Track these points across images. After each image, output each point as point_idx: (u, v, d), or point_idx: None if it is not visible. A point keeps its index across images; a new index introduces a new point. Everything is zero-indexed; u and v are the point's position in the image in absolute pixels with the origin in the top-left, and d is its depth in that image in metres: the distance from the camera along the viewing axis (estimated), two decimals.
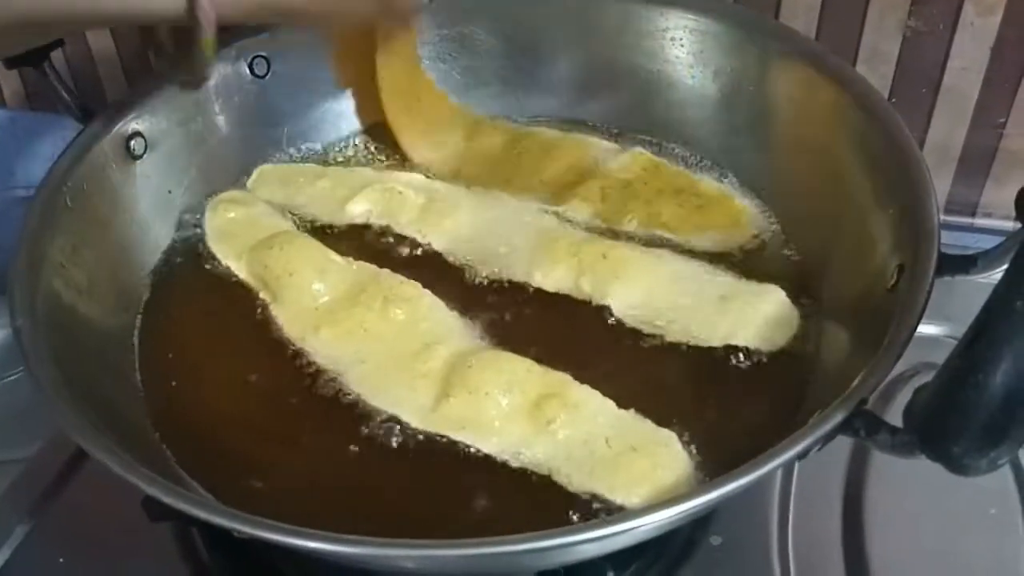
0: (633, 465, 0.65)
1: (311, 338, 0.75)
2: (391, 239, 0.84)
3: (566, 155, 0.90)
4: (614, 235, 0.82)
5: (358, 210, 0.85)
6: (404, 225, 0.84)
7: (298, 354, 0.75)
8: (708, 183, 0.86)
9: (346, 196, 0.86)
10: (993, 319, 0.47)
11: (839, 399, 0.55)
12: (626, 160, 0.88)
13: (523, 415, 0.69)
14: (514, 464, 0.67)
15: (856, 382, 0.56)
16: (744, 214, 0.84)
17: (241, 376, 0.74)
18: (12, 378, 1.09)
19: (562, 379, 0.71)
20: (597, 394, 0.70)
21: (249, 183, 0.89)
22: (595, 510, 0.64)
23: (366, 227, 0.85)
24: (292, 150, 0.93)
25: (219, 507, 0.54)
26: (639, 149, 0.89)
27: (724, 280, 0.77)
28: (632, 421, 0.69)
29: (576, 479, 0.66)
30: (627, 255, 0.78)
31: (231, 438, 0.70)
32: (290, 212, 0.86)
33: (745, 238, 0.82)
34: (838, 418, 0.54)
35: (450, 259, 0.81)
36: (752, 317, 0.73)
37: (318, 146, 0.93)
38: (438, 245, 0.82)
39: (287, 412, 0.72)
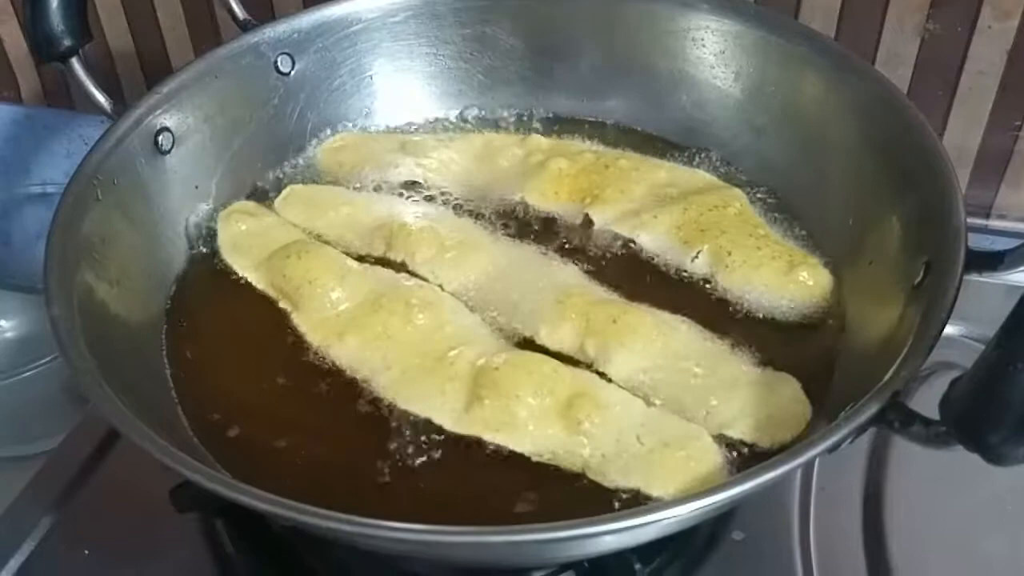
0: (667, 459, 0.66)
1: (336, 345, 0.76)
2: (404, 276, 0.81)
3: (650, 176, 0.88)
4: (665, 272, 0.81)
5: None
6: (419, 264, 0.82)
7: (324, 359, 0.75)
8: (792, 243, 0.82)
9: (365, 227, 0.85)
10: None
11: (873, 391, 0.56)
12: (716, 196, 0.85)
13: (554, 415, 0.69)
14: (549, 462, 0.68)
15: (889, 374, 0.57)
16: (821, 285, 0.77)
17: (270, 377, 0.75)
18: (29, 373, 1.10)
19: (590, 378, 0.72)
20: (625, 392, 0.71)
21: (277, 202, 0.88)
22: (633, 505, 0.64)
23: (382, 260, 0.83)
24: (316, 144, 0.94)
25: (268, 495, 0.54)
26: (738, 191, 0.85)
27: (739, 364, 0.73)
28: (661, 417, 0.70)
29: (611, 475, 0.66)
30: (638, 321, 0.74)
31: (263, 436, 0.71)
32: (309, 234, 0.86)
33: (807, 307, 0.77)
34: (872, 410, 0.55)
35: (461, 302, 0.79)
36: (756, 411, 0.69)
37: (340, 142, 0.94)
38: (449, 287, 0.80)
39: (317, 414, 0.72)
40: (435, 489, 0.67)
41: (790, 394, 0.70)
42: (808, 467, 0.80)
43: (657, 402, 0.71)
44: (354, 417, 0.71)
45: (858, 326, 0.73)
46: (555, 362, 0.72)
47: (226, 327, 0.79)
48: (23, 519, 0.79)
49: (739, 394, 0.70)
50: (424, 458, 0.68)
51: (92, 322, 0.68)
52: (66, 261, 0.69)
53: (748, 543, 0.75)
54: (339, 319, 0.77)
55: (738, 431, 0.68)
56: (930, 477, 0.79)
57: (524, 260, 0.82)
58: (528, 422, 0.69)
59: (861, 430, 0.56)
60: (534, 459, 0.68)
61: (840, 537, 0.76)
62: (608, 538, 0.57)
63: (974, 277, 0.64)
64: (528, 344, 0.75)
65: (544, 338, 0.75)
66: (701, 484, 0.65)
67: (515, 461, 0.68)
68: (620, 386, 0.72)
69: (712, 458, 0.67)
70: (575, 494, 0.66)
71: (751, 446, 0.68)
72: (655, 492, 0.65)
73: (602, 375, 0.73)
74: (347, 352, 0.75)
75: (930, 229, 0.67)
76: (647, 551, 0.73)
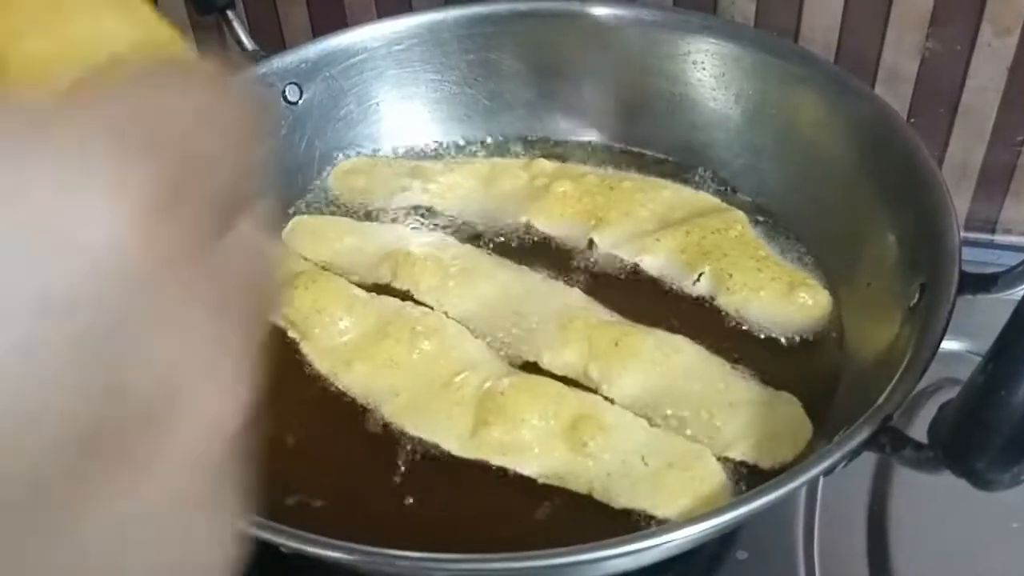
0: (672, 480, 0.67)
1: (344, 373, 0.77)
2: (409, 304, 0.82)
3: (653, 198, 0.88)
4: (667, 293, 0.82)
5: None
6: (423, 292, 0.83)
7: (332, 387, 0.77)
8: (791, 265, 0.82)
9: (371, 256, 0.86)
10: (1015, 336, 0.48)
11: (865, 416, 0.57)
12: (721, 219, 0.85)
13: (559, 438, 0.70)
14: (555, 485, 0.69)
15: (881, 399, 0.57)
16: (820, 306, 0.78)
17: (280, 406, 0.74)
18: None
19: (594, 400, 0.73)
20: (629, 414, 0.72)
21: (284, 234, 0.89)
22: (639, 526, 0.66)
23: (388, 288, 0.84)
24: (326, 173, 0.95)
25: (268, 523, 0.55)
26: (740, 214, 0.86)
27: (740, 384, 0.73)
28: (665, 438, 0.71)
29: (617, 497, 0.67)
30: (640, 343, 0.75)
31: (272, 463, 0.71)
32: (316, 265, 0.87)
33: (807, 327, 0.77)
34: (864, 434, 0.56)
35: (466, 328, 0.80)
36: (757, 430, 0.70)
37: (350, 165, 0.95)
38: (454, 313, 0.81)
39: (326, 441, 0.74)
40: (443, 513, 0.68)
41: (791, 413, 0.71)
42: (812, 486, 0.80)
43: (660, 423, 0.72)
44: (363, 444, 0.73)
45: (857, 346, 0.74)
46: (560, 384, 0.73)
47: None
48: None
49: (740, 414, 0.71)
50: (432, 483, 0.69)
51: None
52: None
53: (752, 563, 0.75)
54: (347, 347, 0.78)
55: (739, 451, 0.69)
56: (935, 495, 0.79)
57: (528, 284, 0.83)
58: (534, 444, 0.70)
59: (854, 454, 0.56)
60: (540, 481, 0.69)
61: (845, 556, 0.76)
62: (615, 561, 0.58)
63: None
64: (532, 368, 0.76)
65: (548, 362, 0.76)
66: (706, 504, 0.66)
67: (521, 483, 0.69)
68: (624, 407, 0.73)
69: (716, 478, 0.68)
70: (581, 515, 0.67)
71: (753, 465, 0.69)
72: (661, 513, 0.66)
73: (606, 397, 0.74)
74: (355, 380, 0.76)
75: (925, 252, 0.68)
76: (650, 572, 0.73)
